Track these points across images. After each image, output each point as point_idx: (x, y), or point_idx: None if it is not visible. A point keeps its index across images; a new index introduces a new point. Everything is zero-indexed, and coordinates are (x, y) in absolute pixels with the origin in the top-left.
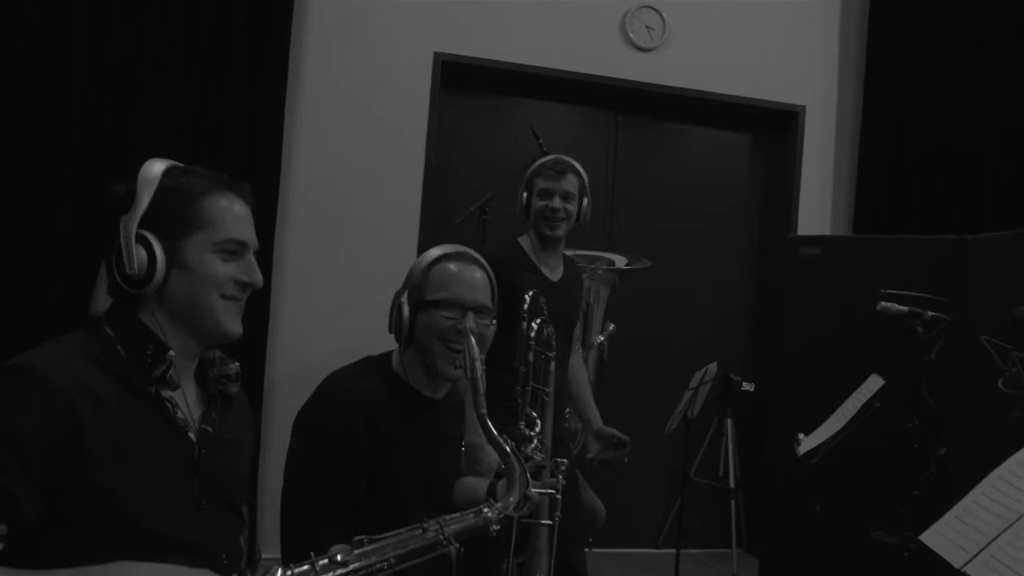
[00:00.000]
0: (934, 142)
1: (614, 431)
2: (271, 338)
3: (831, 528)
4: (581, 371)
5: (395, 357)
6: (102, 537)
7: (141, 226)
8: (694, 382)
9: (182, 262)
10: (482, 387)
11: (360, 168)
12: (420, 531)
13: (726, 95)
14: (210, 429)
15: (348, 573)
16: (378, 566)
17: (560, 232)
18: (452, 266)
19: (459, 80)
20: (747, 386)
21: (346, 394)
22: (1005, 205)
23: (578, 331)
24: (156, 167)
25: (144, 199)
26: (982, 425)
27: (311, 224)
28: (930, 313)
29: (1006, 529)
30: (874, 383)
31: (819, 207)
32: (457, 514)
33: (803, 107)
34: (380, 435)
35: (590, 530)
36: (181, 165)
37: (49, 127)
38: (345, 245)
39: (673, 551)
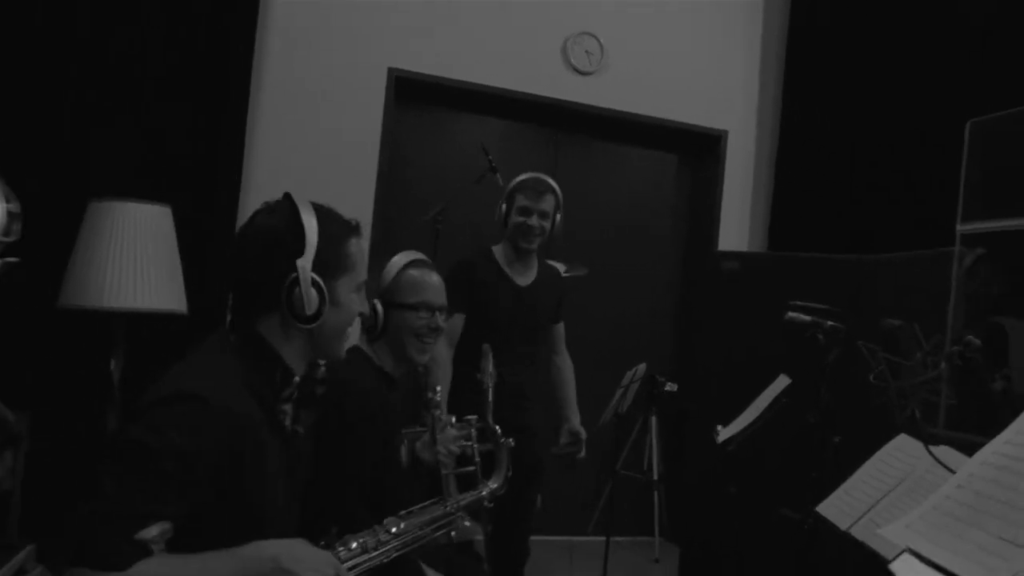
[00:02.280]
0: (845, 166)
1: (582, 433)
2: None
3: (744, 508)
4: (568, 371)
5: (363, 346)
6: (233, 534)
7: (312, 269)
8: (625, 380)
9: (335, 300)
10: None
11: (316, 175)
12: (441, 506)
13: (657, 118)
14: (300, 430)
15: (400, 543)
16: (417, 533)
17: (534, 246)
18: (416, 272)
19: (411, 94)
20: (670, 386)
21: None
22: (903, 227)
23: (563, 331)
24: (309, 209)
25: (312, 242)
26: (868, 417)
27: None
28: (829, 323)
29: (878, 502)
30: (782, 382)
31: (738, 223)
32: (466, 494)
33: (726, 131)
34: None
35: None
36: (320, 206)
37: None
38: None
39: (601, 539)
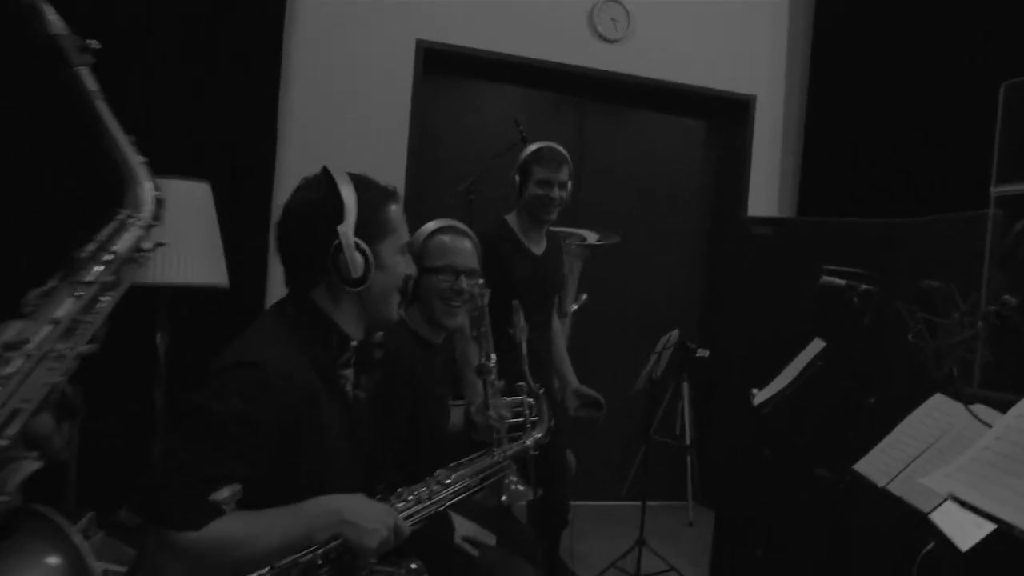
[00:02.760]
0: (873, 131)
1: (590, 391)
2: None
3: (779, 470)
4: (560, 335)
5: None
6: (297, 496)
7: (355, 233)
8: (659, 346)
9: (381, 263)
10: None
11: (347, 149)
12: (488, 456)
13: (684, 84)
14: (362, 395)
15: (452, 492)
16: (469, 484)
17: (554, 216)
18: (446, 238)
19: (439, 66)
20: (701, 352)
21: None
22: (934, 190)
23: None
24: (346, 178)
25: (352, 209)
26: (903, 378)
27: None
28: (864, 286)
29: (916, 458)
30: (816, 346)
31: (767, 189)
32: (512, 444)
33: (754, 96)
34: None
35: (565, 482)
36: (356, 175)
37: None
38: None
39: (634, 503)
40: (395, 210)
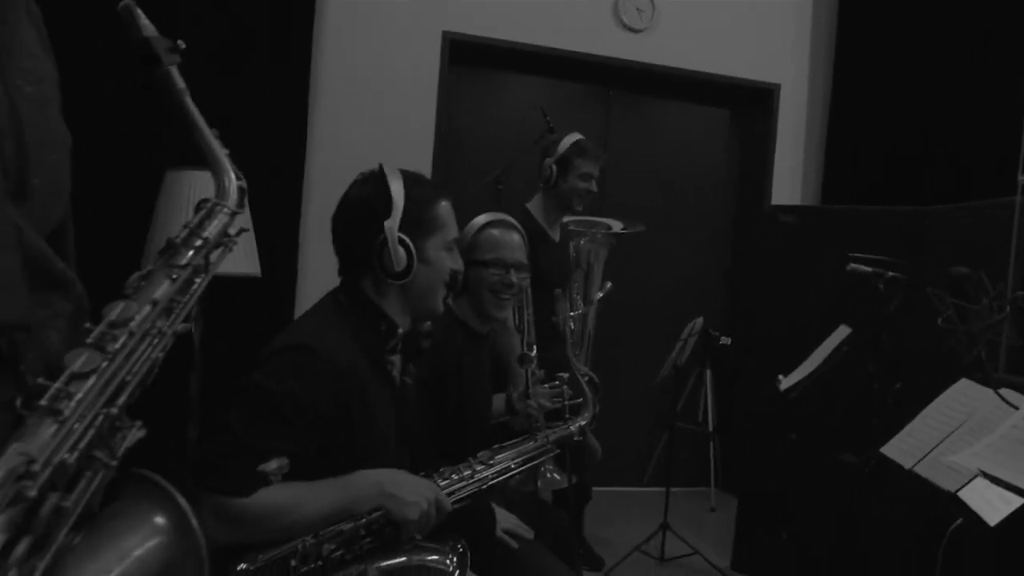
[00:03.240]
0: (898, 120)
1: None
2: (298, 301)
3: (804, 454)
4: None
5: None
6: (340, 471)
7: (400, 228)
8: (684, 334)
9: (425, 258)
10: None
11: (375, 140)
12: (532, 440)
13: (708, 73)
14: (409, 380)
15: (494, 472)
16: (511, 465)
17: (581, 209)
18: (496, 232)
19: (465, 57)
20: (725, 340)
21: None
22: (958, 179)
23: None
24: (397, 175)
25: (399, 206)
26: (928, 364)
27: (333, 196)
28: (890, 273)
29: (942, 441)
30: (842, 332)
31: (791, 177)
32: (555, 427)
33: (778, 85)
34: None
35: (589, 467)
36: (409, 173)
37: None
38: None
39: (656, 489)
40: (444, 207)
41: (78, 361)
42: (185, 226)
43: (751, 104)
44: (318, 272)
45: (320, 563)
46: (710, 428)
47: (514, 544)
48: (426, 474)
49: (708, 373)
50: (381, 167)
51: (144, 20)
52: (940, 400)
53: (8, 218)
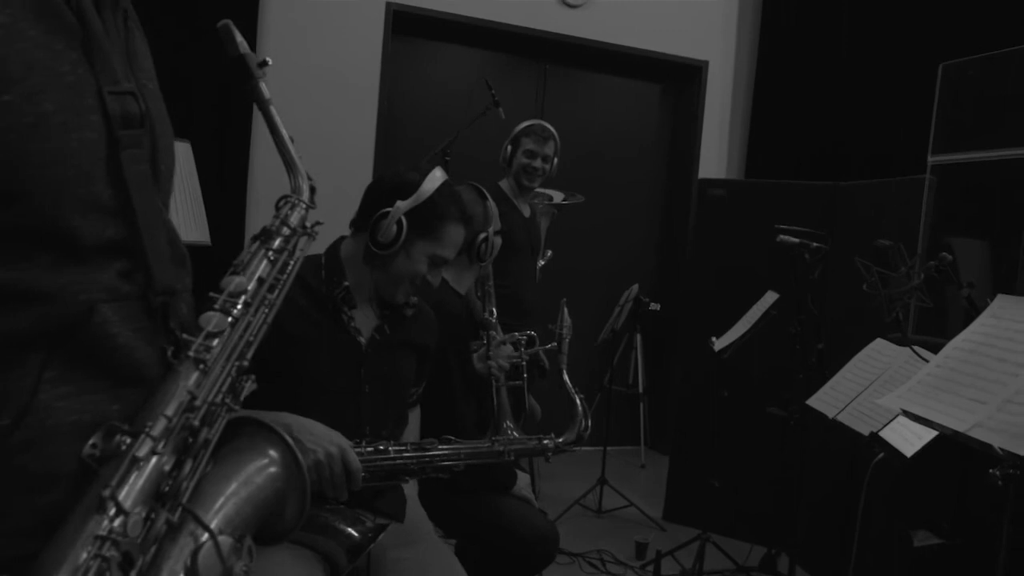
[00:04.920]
0: (819, 98)
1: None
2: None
3: (735, 409)
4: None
5: None
6: (274, 403)
7: (406, 214)
8: (622, 300)
9: (409, 251)
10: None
11: (319, 109)
12: (489, 444)
13: (641, 49)
14: (378, 336)
15: (431, 456)
16: (452, 459)
17: (536, 184)
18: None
19: (407, 28)
20: (654, 306)
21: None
22: (874, 157)
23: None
24: (438, 177)
25: (420, 198)
26: (847, 325)
27: (277, 165)
28: (815, 244)
29: (861, 392)
30: (770, 297)
31: (717, 151)
32: (524, 443)
33: (706, 62)
34: None
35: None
36: (450, 184)
37: None
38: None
39: (590, 449)
40: (454, 231)
41: (212, 322)
42: (275, 216)
43: (681, 80)
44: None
45: None
46: (640, 390)
47: (536, 502)
48: (359, 441)
49: (638, 338)
50: (437, 167)
51: (240, 38)
52: (858, 357)
53: (156, 199)
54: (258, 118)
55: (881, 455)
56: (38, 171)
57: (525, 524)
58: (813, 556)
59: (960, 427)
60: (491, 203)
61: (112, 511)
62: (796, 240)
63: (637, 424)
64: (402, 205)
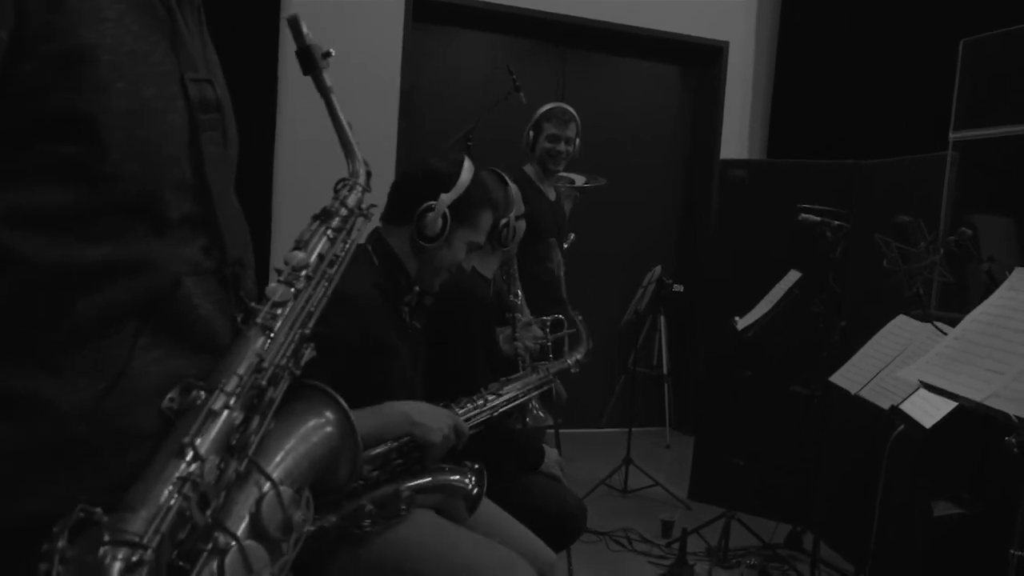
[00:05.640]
0: (841, 77)
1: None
2: (273, 247)
3: (758, 389)
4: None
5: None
6: (366, 401)
7: (448, 207)
8: (645, 281)
9: (450, 241)
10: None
11: (342, 97)
12: (535, 372)
13: (661, 31)
14: (418, 325)
15: (503, 401)
16: (520, 395)
17: (560, 167)
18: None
19: (427, 15)
20: (677, 287)
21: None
22: (896, 134)
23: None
24: (471, 168)
25: (460, 189)
26: (869, 303)
27: (301, 156)
28: (836, 222)
29: (883, 368)
30: (792, 276)
31: (739, 132)
32: (556, 361)
33: (727, 43)
34: None
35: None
36: (483, 172)
37: None
38: (332, 168)
39: (614, 430)
40: (488, 216)
41: (277, 293)
42: (334, 198)
43: (701, 61)
44: (289, 213)
45: (362, 482)
46: (664, 371)
47: (559, 475)
48: (445, 404)
49: (662, 319)
50: (464, 156)
51: (307, 30)
52: (880, 334)
53: (227, 179)
54: (282, 110)
55: (901, 428)
56: (142, 152)
57: (555, 500)
58: (838, 533)
59: (977, 396)
60: (512, 187)
61: (190, 456)
62: (818, 219)
63: (662, 405)
64: (445, 198)
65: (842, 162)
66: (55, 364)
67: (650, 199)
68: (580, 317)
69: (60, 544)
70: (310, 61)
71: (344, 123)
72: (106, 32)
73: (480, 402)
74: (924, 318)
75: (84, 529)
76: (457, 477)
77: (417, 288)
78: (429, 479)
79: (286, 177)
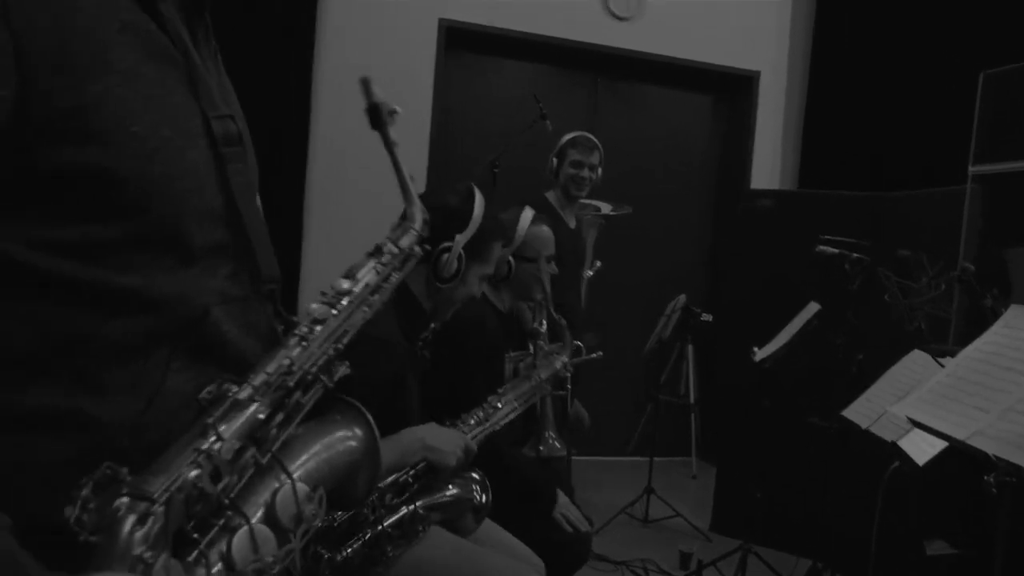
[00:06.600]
0: (870, 108)
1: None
2: (303, 274)
3: (776, 420)
4: None
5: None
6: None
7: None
8: (668, 310)
9: (465, 278)
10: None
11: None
12: (528, 381)
13: (692, 61)
14: (427, 355)
15: (502, 414)
16: (515, 405)
17: (584, 194)
18: (545, 229)
19: (460, 44)
20: (706, 316)
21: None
22: (921, 166)
23: None
24: (482, 202)
25: (473, 227)
26: (889, 336)
27: (335, 181)
28: (855, 255)
29: (895, 403)
30: (812, 308)
31: (770, 161)
32: (546, 368)
33: (758, 72)
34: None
35: (576, 435)
36: (488, 206)
37: None
38: (362, 193)
39: (638, 458)
40: (498, 247)
41: (317, 310)
42: (389, 237)
43: (732, 90)
44: (320, 240)
45: (383, 509)
46: (691, 400)
47: (568, 528)
48: (451, 423)
49: (689, 348)
50: (472, 187)
51: (376, 89)
52: (894, 368)
53: (256, 205)
54: (314, 141)
55: (896, 464)
56: (163, 187)
57: (556, 528)
58: (857, 569)
59: (960, 434)
60: (546, 229)
61: (212, 437)
62: (835, 251)
63: (688, 434)
64: (460, 239)
65: (864, 194)
66: (96, 383)
67: (679, 228)
68: (564, 321)
69: (84, 493)
70: (378, 118)
71: (406, 175)
72: (115, 83)
73: (482, 415)
74: (939, 353)
75: (108, 484)
76: (465, 490)
77: (433, 324)
78: (441, 496)
79: (317, 192)
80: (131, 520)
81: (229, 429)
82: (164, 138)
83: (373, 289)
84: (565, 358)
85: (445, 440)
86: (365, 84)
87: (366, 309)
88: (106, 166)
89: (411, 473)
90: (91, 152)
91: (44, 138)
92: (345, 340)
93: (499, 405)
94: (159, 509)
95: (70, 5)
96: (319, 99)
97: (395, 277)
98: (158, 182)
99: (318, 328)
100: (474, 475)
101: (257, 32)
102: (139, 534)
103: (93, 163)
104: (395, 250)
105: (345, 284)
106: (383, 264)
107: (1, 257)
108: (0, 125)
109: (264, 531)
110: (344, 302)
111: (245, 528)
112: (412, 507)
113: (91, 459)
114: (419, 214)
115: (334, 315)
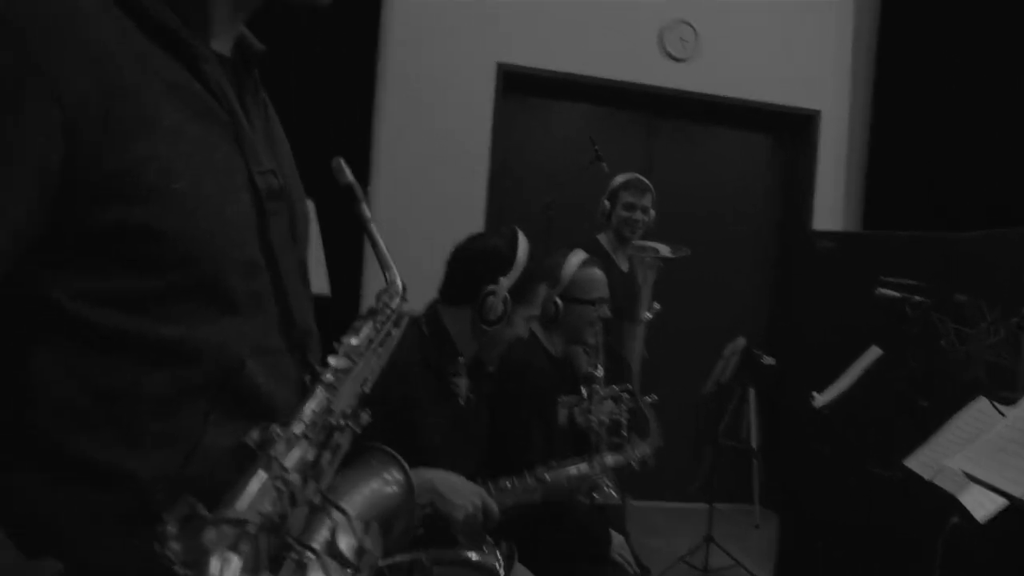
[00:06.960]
0: (937, 146)
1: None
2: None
3: (837, 467)
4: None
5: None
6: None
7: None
8: (726, 352)
9: (511, 320)
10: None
11: (433, 168)
12: (587, 464)
13: (751, 100)
14: (472, 396)
15: (545, 489)
16: (563, 484)
17: (637, 236)
18: (596, 271)
19: (517, 87)
20: (768, 360)
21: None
22: (990, 206)
23: None
24: (527, 245)
25: (518, 271)
26: (952, 382)
27: (395, 223)
28: (916, 297)
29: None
30: (873, 353)
31: (832, 202)
32: (614, 455)
33: (819, 111)
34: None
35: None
36: (528, 247)
37: None
38: (421, 237)
39: (698, 505)
40: (543, 290)
41: (339, 362)
42: (378, 300)
43: (793, 130)
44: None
45: None
46: (753, 445)
47: (634, 568)
48: (483, 481)
49: (751, 392)
50: (516, 229)
51: (348, 171)
52: (959, 416)
53: (294, 257)
54: (376, 180)
55: (956, 519)
56: (204, 242)
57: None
58: None
59: (1018, 492)
60: (599, 273)
61: (276, 467)
62: (896, 294)
63: (750, 481)
64: (505, 283)
65: (930, 234)
66: (134, 436)
67: (739, 270)
68: (651, 400)
69: (169, 529)
70: (353, 196)
71: (382, 245)
72: (160, 141)
73: (519, 484)
74: (1005, 401)
75: (190, 518)
76: (486, 558)
77: (461, 358)
78: (454, 554)
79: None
80: (225, 546)
81: (290, 461)
82: (206, 195)
83: (379, 343)
84: (645, 453)
85: (458, 491)
86: (337, 167)
87: (381, 355)
88: (149, 223)
89: (417, 514)
90: (136, 211)
91: (91, 199)
92: (369, 385)
93: (545, 477)
94: (252, 528)
95: (115, 67)
96: (380, 141)
97: (395, 333)
98: (200, 238)
99: (342, 375)
100: (503, 544)
101: (319, 76)
102: (235, 562)
103: (137, 221)
104: (388, 311)
105: (353, 340)
106: (381, 323)
107: (47, 306)
108: (49, 192)
109: (333, 565)
110: (359, 353)
111: (315, 560)
112: (419, 554)
113: (125, 513)
114: (398, 281)
115: (354, 365)
